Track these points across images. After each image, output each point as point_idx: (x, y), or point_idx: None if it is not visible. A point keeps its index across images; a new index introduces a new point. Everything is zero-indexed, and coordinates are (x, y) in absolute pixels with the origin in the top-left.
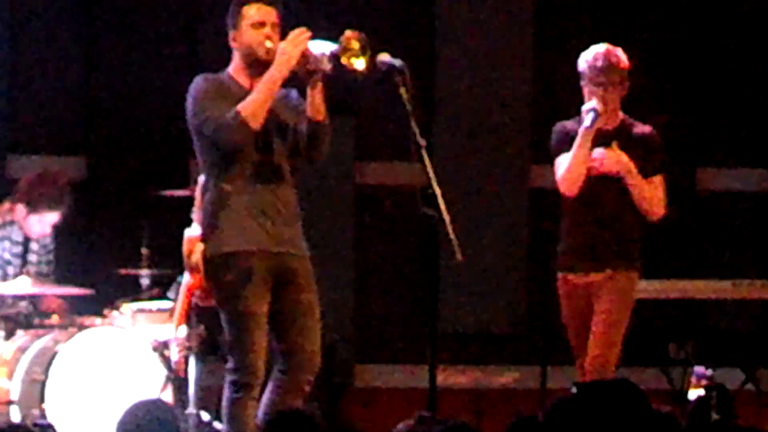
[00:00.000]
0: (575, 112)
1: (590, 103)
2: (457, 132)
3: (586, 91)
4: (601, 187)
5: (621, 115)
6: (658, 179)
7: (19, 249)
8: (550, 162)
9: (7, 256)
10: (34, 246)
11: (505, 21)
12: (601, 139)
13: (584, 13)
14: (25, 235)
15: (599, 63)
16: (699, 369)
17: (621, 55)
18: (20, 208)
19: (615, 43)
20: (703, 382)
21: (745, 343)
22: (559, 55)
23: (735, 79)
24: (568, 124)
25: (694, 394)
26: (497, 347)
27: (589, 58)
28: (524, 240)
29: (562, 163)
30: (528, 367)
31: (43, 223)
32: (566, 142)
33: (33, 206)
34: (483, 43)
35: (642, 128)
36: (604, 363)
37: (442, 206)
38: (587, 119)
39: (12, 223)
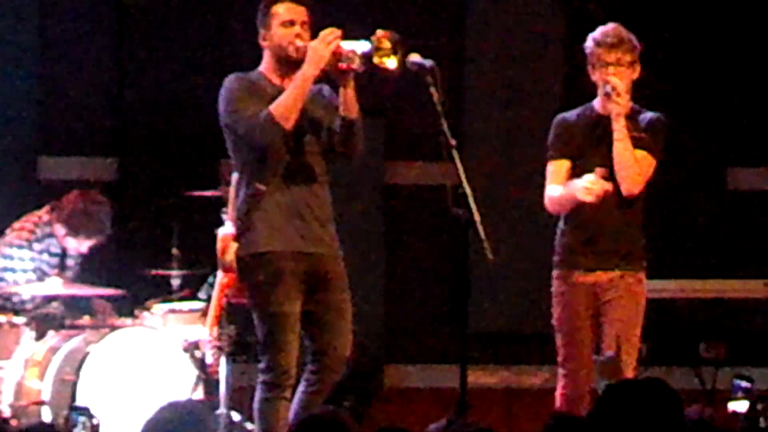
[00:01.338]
0: None
1: (613, 81)
2: (487, 132)
3: (596, 75)
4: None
5: (630, 102)
6: (642, 154)
7: (56, 260)
8: None
9: (45, 267)
10: (73, 253)
11: (535, 20)
12: (604, 121)
13: (615, 13)
14: (62, 246)
15: (610, 40)
16: (738, 382)
17: (631, 35)
18: (59, 227)
19: (646, 42)
20: (740, 393)
21: None
22: None
23: (766, 78)
24: (570, 117)
25: (736, 405)
26: (528, 347)
27: (597, 36)
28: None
29: (554, 193)
30: (558, 368)
31: (81, 245)
32: (565, 141)
33: (73, 231)
34: (513, 42)
35: (650, 114)
36: (624, 368)
37: (473, 206)
38: (613, 106)
39: (51, 236)
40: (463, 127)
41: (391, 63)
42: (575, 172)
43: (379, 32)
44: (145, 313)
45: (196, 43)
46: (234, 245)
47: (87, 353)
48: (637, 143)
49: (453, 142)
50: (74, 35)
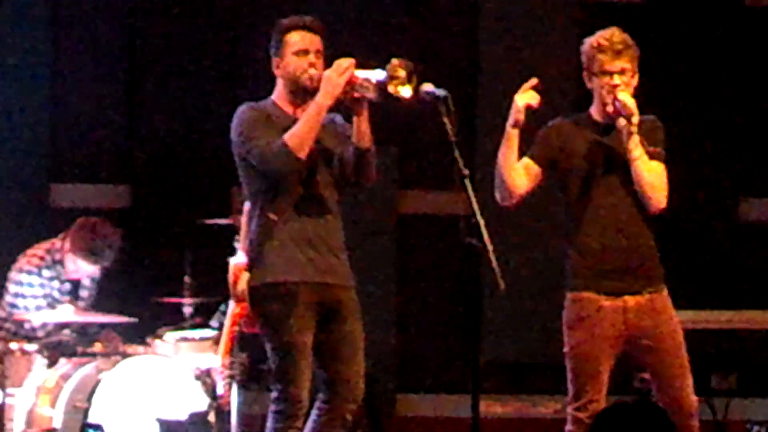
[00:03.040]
0: None
1: (623, 98)
2: None
3: (594, 83)
4: (611, 194)
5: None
6: (658, 165)
7: (68, 286)
8: None
9: (56, 294)
10: (86, 281)
11: (550, 52)
12: (602, 131)
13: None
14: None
15: (616, 47)
16: (756, 428)
17: (633, 41)
18: (68, 254)
19: (660, 77)
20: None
21: None
22: None
23: None
24: (567, 123)
25: None
26: (540, 377)
27: (599, 40)
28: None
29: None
30: None
31: (79, 270)
32: (547, 146)
33: (76, 252)
34: (526, 74)
35: (645, 119)
36: (691, 394)
37: (485, 236)
38: (623, 122)
39: (61, 262)
40: (476, 156)
41: (406, 92)
42: (571, 190)
43: (394, 61)
44: (157, 341)
45: (208, 71)
46: (246, 275)
47: (99, 381)
48: (650, 157)
49: (466, 171)
50: (86, 63)
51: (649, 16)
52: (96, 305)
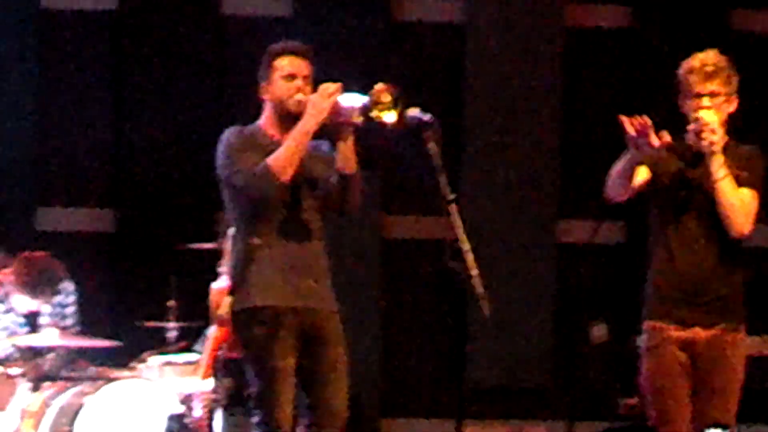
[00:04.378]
0: (603, 167)
1: (706, 118)
2: (485, 186)
3: (686, 107)
4: (696, 222)
5: (725, 137)
6: (748, 192)
7: (23, 318)
8: (578, 216)
9: (13, 326)
10: (46, 309)
11: (533, 76)
12: (694, 157)
13: (611, 70)
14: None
15: (707, 69)
16: None
17: (731, 63)
18: (10, 286)
19: (652, 100)
20: None
21: None
22: (587, 109)
23: None
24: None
25: None
26: (524, 401)
27: (693, 63)
28: (552, 295)
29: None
30: (555, 422)
31: (24, 305)
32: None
33: (15, 287)
34: (511, 98)
35: (746, 148)
36: None
37: (470, 260)
38: (706, 142)
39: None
40: (461, 181)
41: (390, 117)
42: (660, 201)
43: (379, 86)
44: (141, 365)
45: (193, 96)
46: (228, 299)
47: (82, 405)
48: (739, 182)
49: (451, 196)
50: (72, 87)
51: (635, 41)
52: (80, 329)
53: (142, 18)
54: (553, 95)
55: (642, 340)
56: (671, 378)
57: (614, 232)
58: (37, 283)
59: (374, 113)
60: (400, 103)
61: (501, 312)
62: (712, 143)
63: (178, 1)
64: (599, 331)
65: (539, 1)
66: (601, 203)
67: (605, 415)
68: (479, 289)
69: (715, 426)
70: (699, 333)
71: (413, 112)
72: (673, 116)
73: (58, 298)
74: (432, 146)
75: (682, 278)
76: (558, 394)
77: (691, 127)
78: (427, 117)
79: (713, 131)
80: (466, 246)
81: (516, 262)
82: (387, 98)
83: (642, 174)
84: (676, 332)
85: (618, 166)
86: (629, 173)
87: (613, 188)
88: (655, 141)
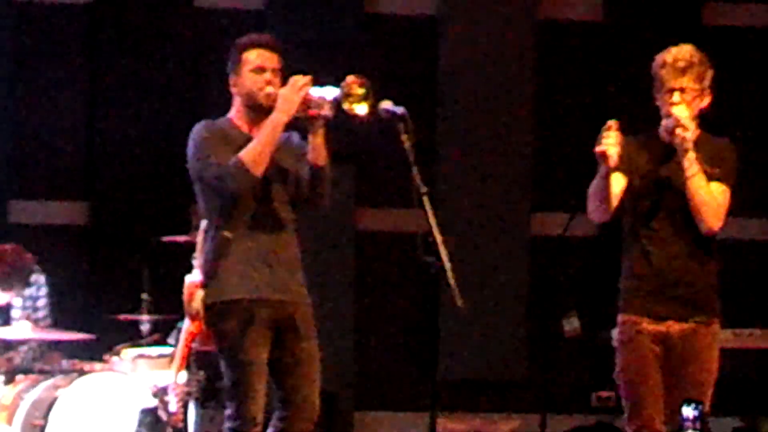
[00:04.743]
0: (576, 160)
1: (676, 113)
2: (459, 179)
3: (659, 101)
4: (669, 217)
5: (697, 131)
6: (719, 188)
7: None
8: (552, 209)
9: None
10: (17, 302)
11: (507, 69)
12: (666, 152)
13: (584, 63)
14: None
15: (679, 64)
16: None
17: (705, 58)
18: None
19: (621, 94)
20: None
21: None
22: (560, 103)
23: None
24: (635, 140)
25: None
26: (497, 395)
27: (666, 57)
28: (525, 287)
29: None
30: (528, 415)
31: None
32: (624, 158)
33: None
34: (485, 91)
35: (718, 140)
36: None
37: (443, 253)
38: (678, 139)
39: None
40: (434, 174)
41: (362, 109)
42: (633, 200)
43: (350, 78)
44: (115, 358)
45: (167, 89)
46: (200, 293)
47: (56, 398)
48: (710, 177)
49: (424, 189)
50: (46, 80)
51: (607, 34)
52: (53, 322)
53: (116, 11)
54: (526, 88)
55: (616, 334)
56: (645, 371)
57: (587, 225)
58: (8, 276)
59: (346, 105)
60: (371, 95)
61: (474, 305)
62: (684, 140)
63: None
64: (572, 324)
65: None
66: (574, 196)
67: (578, 408)
68: (452, 281)
69: (688, 403)
70: (673, 326)
71: (386, 104)
72: (645, 110)
73: (29, 291)
74: (405, 139)
75: (655, 273)
76: (531, 387)
77: (663, 123)
78: (399, 110)
79: (685, 128)
80: (439, 239)
81: (489, 255)
82: (358, 90)
83: (619, 182)
84: (649, 325)
85: (593, 186)
86: (605, 188)
87: (596, 210)
88: (612, 156)
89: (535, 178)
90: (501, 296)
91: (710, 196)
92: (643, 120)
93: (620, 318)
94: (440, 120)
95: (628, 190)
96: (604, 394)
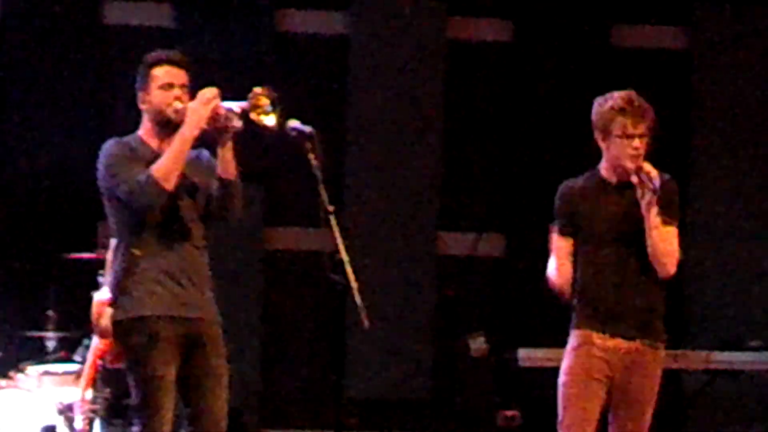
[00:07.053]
0: (484, 180)
1: (649, 170)
2: (367, 198)
3: (611, 145)
4: (620, 252)
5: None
6: (672, 231)
7: None
8: (458, 229)
9: None
10: None
11: (415, 89)
12: (615, 192)
13: (493, 84)
14: None
15: (638, 111)
16: None
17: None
18: None
19: (528, 115)
20: None
21: None
22: (469, 123)
23: None
24: (575, 185)
25: None
26: (404, 414)
27: (620, 103)
28: (431, 307)
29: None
30: None
31: None
32: (570, 215)
33: None
34: (394, 110)
35: (663, 178)
36: None
37: (350, 273)
38: (647, 196)
39: None
40: (342, 193)
41: (270, 120)
42: (581, 246)
43: (257, 89)
44: (20, 375)
45: (74, 105)
46: (109, 310)
47: None
48: (664, 222)
49: (331, 208)
50: None
51: (517, 55)
52: None
53: (23, 27)
54: (436, 108)
55: (568, 344)
56: (589, 379)
57: (494, 245)
58: None
59: (254, 116)
60: (278, 107)
61: (381, 324)
62: (654, 192)
63: (60, 10)
64: (478, 344)
65: (422, 14)
66: (481, 216)
67: (484, 428)
68: (359, 300)
69: None
70: (621, 344)
71: (293, 123)
72: (552, 130)
73: None
74: (312, 158)
75: (602, 297)
76: (437, 407)
77: (634, 179)
78: (307, 129)
79: (657, 189)
80: (346, 258)
81: (396, 274)
82: (265, 101)
83: (570, 251)
84: (599, 339)
85: (553, 262)
86: (567, 259)
87: (565, 287)
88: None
89: (443, 197)
90: (407, 315)
91: (671, 246)
92: (551, 139)
93: (572, 333)
94: (349, 139)
95: (581, 232)
96: (509, 413)
